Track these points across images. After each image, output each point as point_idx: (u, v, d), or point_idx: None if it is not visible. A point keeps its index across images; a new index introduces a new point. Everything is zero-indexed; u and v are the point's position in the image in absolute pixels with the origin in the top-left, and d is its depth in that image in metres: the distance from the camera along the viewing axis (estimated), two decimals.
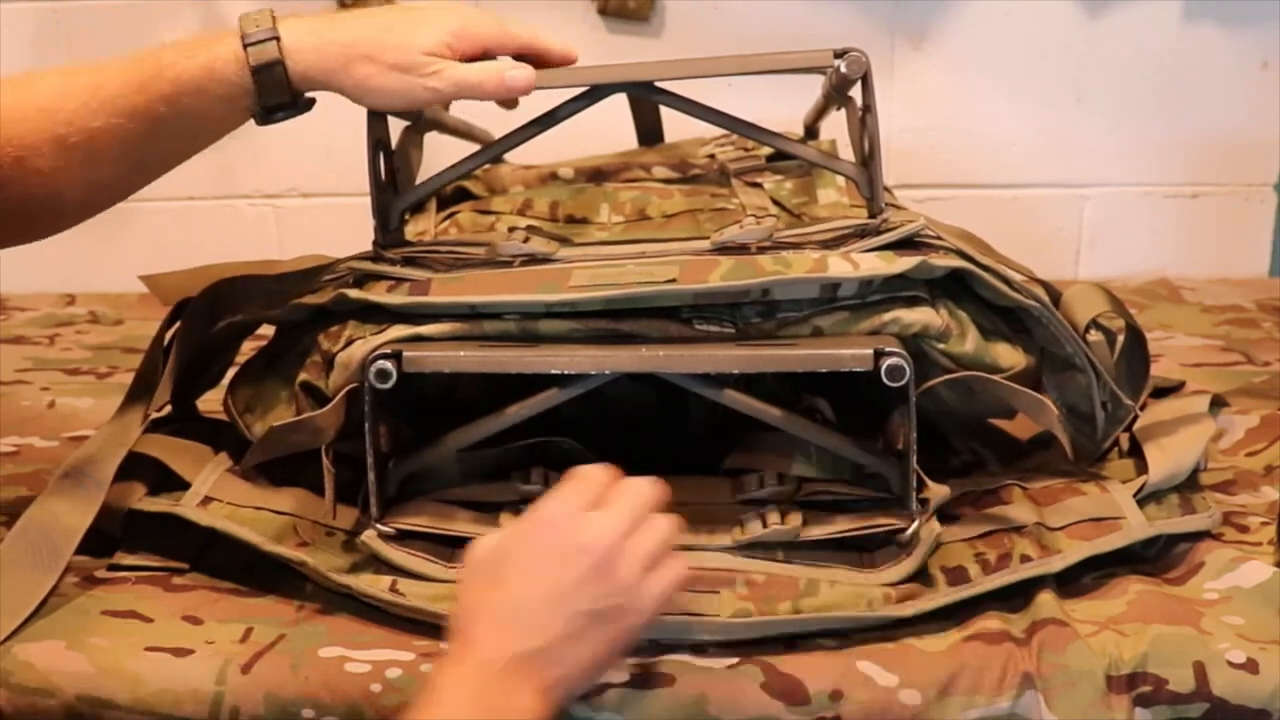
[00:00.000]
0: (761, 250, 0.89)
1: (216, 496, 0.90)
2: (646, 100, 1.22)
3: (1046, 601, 0.82)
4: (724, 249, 0.89)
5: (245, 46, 0.83)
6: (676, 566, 0.75)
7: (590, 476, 0.77)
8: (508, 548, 0.74)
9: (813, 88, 1.09)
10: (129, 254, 1.63)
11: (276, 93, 0.85)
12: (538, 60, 0.90)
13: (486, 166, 1.17)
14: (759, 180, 1.10)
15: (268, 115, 0.87)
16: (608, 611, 0.72)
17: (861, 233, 0.92)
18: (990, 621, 0.81)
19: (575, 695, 0.74)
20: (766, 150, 1.14)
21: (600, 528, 0.73)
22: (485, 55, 0.88)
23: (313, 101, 0.89)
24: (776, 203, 1.05)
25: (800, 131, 1.24)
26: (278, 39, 0.84)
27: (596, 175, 1.16)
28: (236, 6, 1.59)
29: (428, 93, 0.86)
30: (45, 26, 1.62)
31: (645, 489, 0.76)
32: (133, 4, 1.61)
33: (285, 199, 1.66)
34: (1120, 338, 0.98)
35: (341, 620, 0.84)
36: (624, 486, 0.76)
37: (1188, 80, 1.57)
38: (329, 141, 1.60)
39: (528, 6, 1.58)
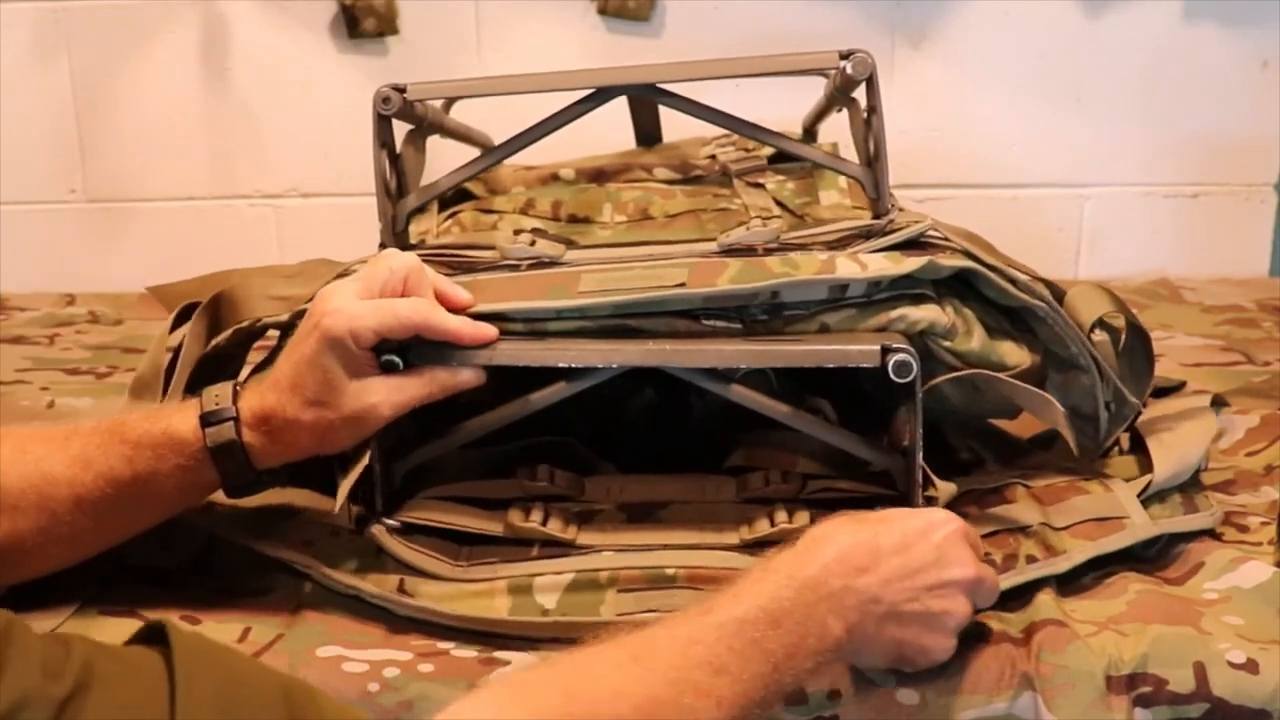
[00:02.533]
0: (769, 252, 0.89)
1: (216, 498, 0.90)
2: (646, 101, 1.22)
3: (1045, 602, 0.82)
4: (731, 251, 0.89)
5: (204, 428, 0.81)
6: (967, 609, 0.77)
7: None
8: (894, 518, 0.77)
9: (812, 88, 1.09)
10: (129, 254, 1.63)
11: (240, 473, 0.83)
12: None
13: None
14: (761, 181, 1.10)
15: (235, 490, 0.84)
16: (934, 612, 0.75)
17: (868, 233, 0.92)
18: (988, 622, 0.81)
19: (856, 659, 0.76)
20: (767, 151, 1.14)
21: (965, 556, 0.77)
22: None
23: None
24: (779, 203, 1.05)
25: (798, 133, 1.23)
26: (236, 419, 0.81)
27: (598, 176, 1.16)
28: (236, 7, 1.60)
29: (381, 422, 0.82)
30: (45, 26, 1.62)
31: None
32: (133, 4, 1.61)
33: (285, 199, 1.66)
34: (1123, 337, 0.98)
35: (339, 620, 0.83)
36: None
37: (1188, 80, 1.57)
38: (329, 142, 1.60)
39: (528, 7, 1.58)
